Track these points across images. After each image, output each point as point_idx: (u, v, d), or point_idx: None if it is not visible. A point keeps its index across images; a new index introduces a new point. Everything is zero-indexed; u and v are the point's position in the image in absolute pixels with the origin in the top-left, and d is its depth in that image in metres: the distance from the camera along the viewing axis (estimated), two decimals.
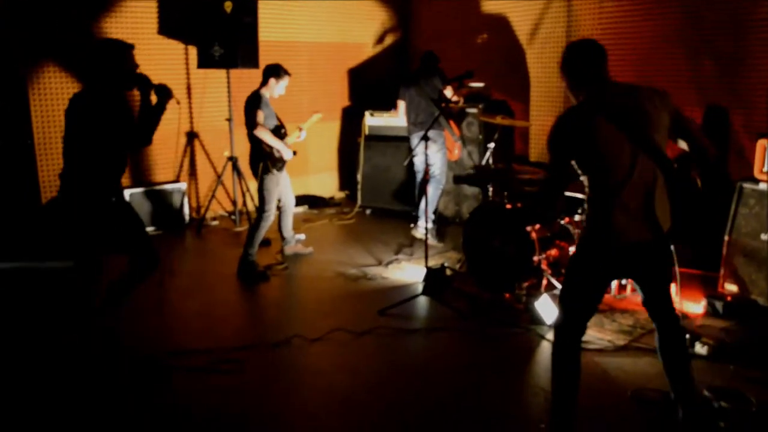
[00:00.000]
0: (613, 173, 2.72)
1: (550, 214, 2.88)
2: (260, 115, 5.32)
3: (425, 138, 5.09)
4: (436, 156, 6.24)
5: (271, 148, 5.38)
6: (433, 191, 6.34)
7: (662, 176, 2.76)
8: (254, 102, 5.38)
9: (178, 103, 4.19)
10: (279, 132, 5.49)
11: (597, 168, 2.76)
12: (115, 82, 3.81)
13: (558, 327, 2.98)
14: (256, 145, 5.40)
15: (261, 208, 5.51)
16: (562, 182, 2.89)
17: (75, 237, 4.03)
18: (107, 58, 3.78)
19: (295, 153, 5.60)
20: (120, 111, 3.77)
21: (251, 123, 5.30)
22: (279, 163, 5.46)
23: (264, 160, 5.39)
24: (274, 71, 5.51)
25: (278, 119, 5.60)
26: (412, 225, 6.48)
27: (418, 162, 6.39)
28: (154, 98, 3.88)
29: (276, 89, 5.52)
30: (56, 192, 5.55)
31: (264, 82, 5.50)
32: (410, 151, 6.25)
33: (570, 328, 2.94)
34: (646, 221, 2.75)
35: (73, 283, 4.62)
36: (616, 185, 2.72)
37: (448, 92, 6.22)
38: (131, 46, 3.89)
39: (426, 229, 5.21)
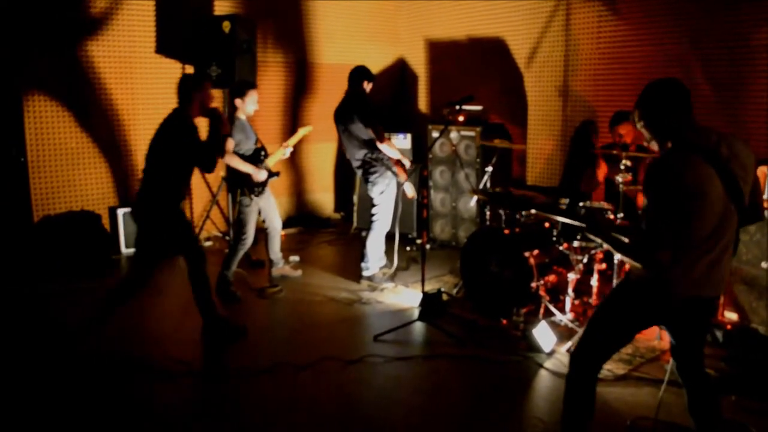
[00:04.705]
0: (703, 226, 2.56)
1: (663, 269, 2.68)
2: (230, 143, 5.20)
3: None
4: (379, 198, 5.69)
5: (247, 174, 5.28)
6: (371, 236, 5.75)
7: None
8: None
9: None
10: (258, 155, 5.37)
11: (689, 218, 2.54)
12: (195, 109, 4.32)
13: (580, 358, 2.85)
14: (234, 169, 5.31)
15: (239, 232, 5.44)
16: (672, 237, 2.53)
17: (146, 242, 4.41)
18: (192, 86, 4.33)
19: (277, 174, 5.51)
20: (193, 133, 4.26)
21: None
22: (257, 188, 5.37)
23: (241, 186, 5.33)
24: (237, 92, 5.32)
25: (258, 141, 5.49)
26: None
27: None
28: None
29: (246, 107, 5.33)
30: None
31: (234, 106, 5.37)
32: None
33: (594, 361, 2.84)
34: (716, 278, 2.63)
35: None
36: (702, 238, 2.57)
37: (386, 144, 5.54)
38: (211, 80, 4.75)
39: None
